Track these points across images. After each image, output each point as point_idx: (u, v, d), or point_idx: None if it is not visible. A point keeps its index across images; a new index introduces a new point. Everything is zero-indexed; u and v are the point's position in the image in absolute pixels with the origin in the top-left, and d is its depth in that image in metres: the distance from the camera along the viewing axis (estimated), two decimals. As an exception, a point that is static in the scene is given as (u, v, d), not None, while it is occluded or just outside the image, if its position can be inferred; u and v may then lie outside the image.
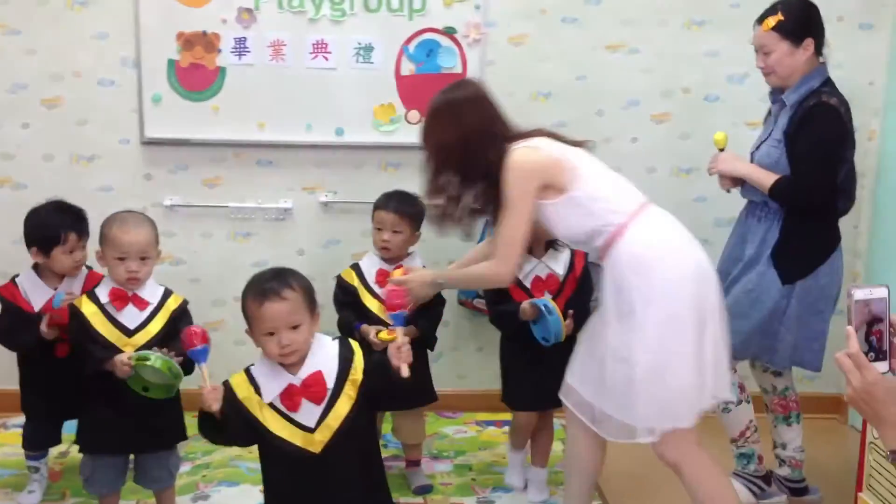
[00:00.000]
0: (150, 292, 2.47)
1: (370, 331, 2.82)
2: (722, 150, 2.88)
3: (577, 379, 2.40)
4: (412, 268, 2.89)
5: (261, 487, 2.87)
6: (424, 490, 3.00)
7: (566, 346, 2.68)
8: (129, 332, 2.41)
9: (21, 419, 3.03)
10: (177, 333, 2.42)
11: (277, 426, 1.98)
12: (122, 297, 2.41)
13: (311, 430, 1.98)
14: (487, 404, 3.28)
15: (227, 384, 2.03)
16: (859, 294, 1.43)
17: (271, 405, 1.99)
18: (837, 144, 2.67)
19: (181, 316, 2.50)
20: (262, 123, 3.42)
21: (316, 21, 3.36)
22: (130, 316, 2.42)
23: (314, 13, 3.35)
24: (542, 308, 2.74)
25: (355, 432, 2.02)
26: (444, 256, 3.56)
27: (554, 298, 2.84)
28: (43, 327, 2.66)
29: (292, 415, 1.98)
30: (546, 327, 2.73)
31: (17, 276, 2.84)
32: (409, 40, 3.38)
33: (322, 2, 3.34)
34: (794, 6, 2.68)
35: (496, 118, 2.43)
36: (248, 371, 2.06)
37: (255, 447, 2.08)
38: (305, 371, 1.99)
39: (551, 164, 2.31)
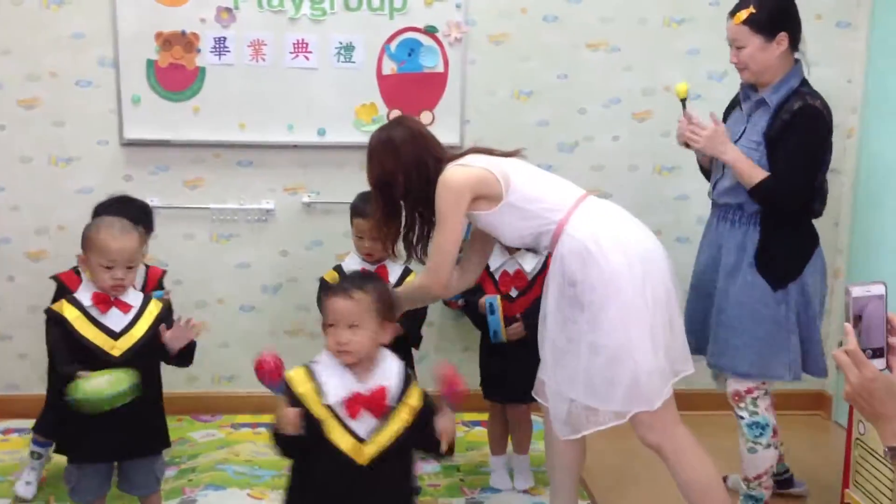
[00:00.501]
0: (133, 296, 2.44)
1: None
2: (683, 100, 2.80)
3: (549, 374, 2.44)
4: None
5: (248, 491, 2.93)
6: (413, 492, 2.98)
7: (531, 345, 2.72)
8: (115, 335, 2.37)
9: (8, 424, 2.99)
10: (159, 336, 2.42)
11: (333, 431, 1.99)
12: (105, 301, 2.37)
13: (362, 441, 2.00)
14: (473, 405, 3.26)
15: (286, 380, 2.03)
16: (857, 291, 1.44)
17: (329, 407, 1.99)
18: (821, 149, 2.64)
19: (166, 317, 2.47)
20: (242, 124, 3.39)
21: (296, 20, 3.34)
22: (115, 319, 2.38)
23: (294, 12, 3.33)
24: (487, 306, 2.87)
25: (400, 454, 2.06)
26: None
27: (521, 295, 2.94)
28: None
29: (349, 422, 2.00)
30: (489, 326, 2.86)
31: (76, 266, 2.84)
32: (390, 39, 3.37)
33: (302, 1, 3.32)
34: (764, 1, 2.60)
35: (432, 146, 2.50)
36: (309, 368, 2.05)
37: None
38: (373, 382, 2.02)
39: (481, 176, 2.38)
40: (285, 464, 3.01)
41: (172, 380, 2.46)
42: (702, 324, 2.77)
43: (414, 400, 2.07)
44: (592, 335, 2.28)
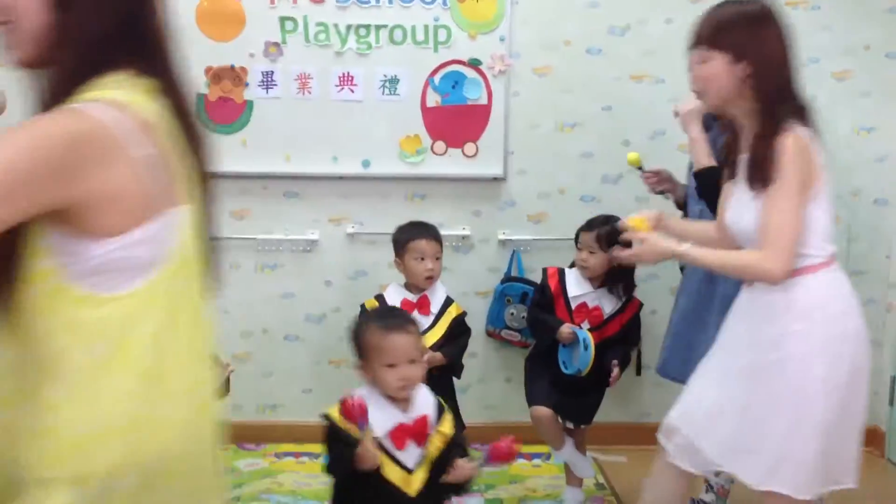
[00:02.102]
0: None
1: None
2: (637, 166, 2.91)
3: (688, 419, 2.27)
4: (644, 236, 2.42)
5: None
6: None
7: (588, 377, 2.87)
8: None
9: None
10: None
11: (382, 464, 2.00)
12: None
13: (410, 472, 2.01)
14: (518, 436, 3.24)
15: (328, 418, 2.05)
16: None
17: (376, 440, 2.00)
18: None
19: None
20: (288, 156, 3.44)
21: (342, 54, 3.39)
22: None
23: (340, 46, 3.38)
24: (581, 340, 2.81)
25: (438, 479, 2.06)
26: (471, 287, 3.56)
27: (591, 331, 2.92)
28: None
29: (397, 453, 2.01)
30: (575, 357, 2.79)
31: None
32: (434, 72, 3.40)
33: (348, 35, 3.37)
34: None
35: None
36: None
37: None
38: (415, 413, 2.04)
39: (816, 167, 2.05)
40: (328, 495, 3.03)
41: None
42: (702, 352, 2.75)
43: (447, 428, 2.10)
44: (770, 393, 2.07)
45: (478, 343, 3.53)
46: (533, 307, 3.11)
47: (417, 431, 2.03)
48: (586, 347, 2.80)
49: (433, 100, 3.42)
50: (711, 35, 2.08)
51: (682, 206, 2.94)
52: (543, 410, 2.97)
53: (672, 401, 3.64)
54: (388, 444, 2.01)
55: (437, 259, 2.96)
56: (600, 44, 3.46)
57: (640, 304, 3.09)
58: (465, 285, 3.55)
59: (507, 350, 3.56)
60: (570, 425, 3.07)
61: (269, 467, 3.39)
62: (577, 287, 2.97)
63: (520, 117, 3.47)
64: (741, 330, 2.18)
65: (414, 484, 2.02)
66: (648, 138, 3.51)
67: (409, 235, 2.97)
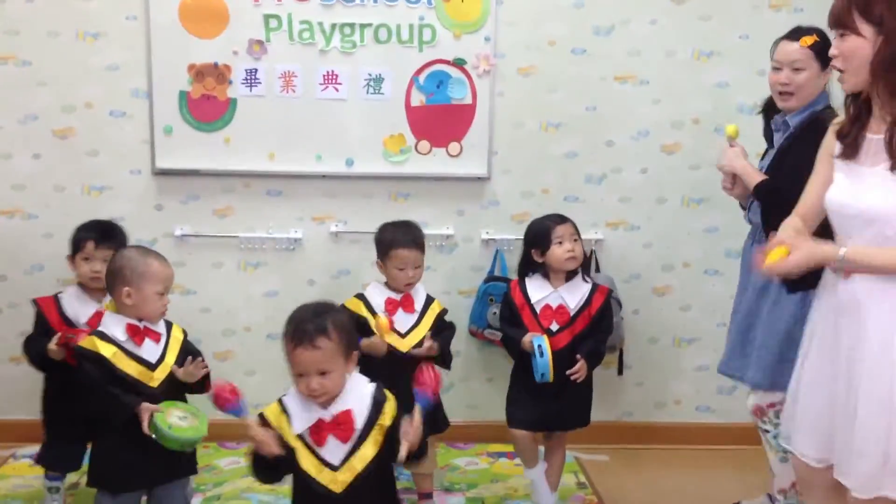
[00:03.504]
0: (159, 324, 2.47)
1: (372, 341, 2.85)
2: (732, 143, 2.82)
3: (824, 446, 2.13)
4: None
5: (270, 520, 2.92)
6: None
7: (565, 379, 2.83)
8: (152, 367, 2.41)
9: (31, 450, 3.02)
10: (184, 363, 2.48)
11: (305, 460, 2.01)
12: (139, 333, 2.40)
13: (334, 469, 2.00)
14: (499, 435, 3.25)
15: (261, 416, 2.06)
16: None
17: (300, 437, 2.01)
18: None
19: (188, 346, 2.53)
20: (272, 154, 3.43)
21: (326, 52, 3.38)
22: (149, 350, 2.41)
23: (324, 45, 3.37)
24: (536, 347, 2.79)
25: (378, 476, 2.04)
26: (454, 286, 3.56)
27: (561, 331, 2.89)
28: (51, 345, 2.72)
29: (318, 450, 2.01)
30: (535, 366, 2.78)
31: (60, 292, 2.96)
32: (419, 71, 3.40)
33: (332, 34, 3.36)
34: (823, 33, 2.61)
35: None
36: (280, 401, 2.08)
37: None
38: (336, 408, 2.02)
39: None
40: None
41: (200, 406, 2.48)
42: (732, 340, 2.84)
43: (387, 419, 2.04)
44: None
45: (460, 342, 3.53)
46: (502, 323, 3.05)
47: (338, 426, 1.99)
48: (541, 355, 2.77)
49: (417, 99, 3.42)
50: (861, 5, 1.98)
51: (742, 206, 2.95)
52: (520, 433, 2.96)
53: (652, 399, 3.70)
54: (309, 441, 2.00)
55: (418, 267, 2.95)
56: (585, 44, 3.46)
57: (609, 291, 3.01)
58: (448, 284, 3.56)
59: (489, 349, 3.57)
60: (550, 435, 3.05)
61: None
62: (538, 291, 2.92)
63: (504, 117, 3.48)
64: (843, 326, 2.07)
65: (341, 480, 1.99)
66: (632, 139, 3.53)
67: (392, 243, 2.94)
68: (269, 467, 2.02)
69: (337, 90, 3.40)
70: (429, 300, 3.00)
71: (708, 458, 3.56)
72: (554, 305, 2.91)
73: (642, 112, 3.51)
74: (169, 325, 2.52)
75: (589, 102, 3.49)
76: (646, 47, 3.47)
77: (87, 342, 2.39)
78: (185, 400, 2.48)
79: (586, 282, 2.96)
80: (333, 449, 2.00)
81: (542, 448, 3.07)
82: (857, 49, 1.99)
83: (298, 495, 2.08)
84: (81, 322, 2.83)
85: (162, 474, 2.45)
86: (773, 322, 2.67)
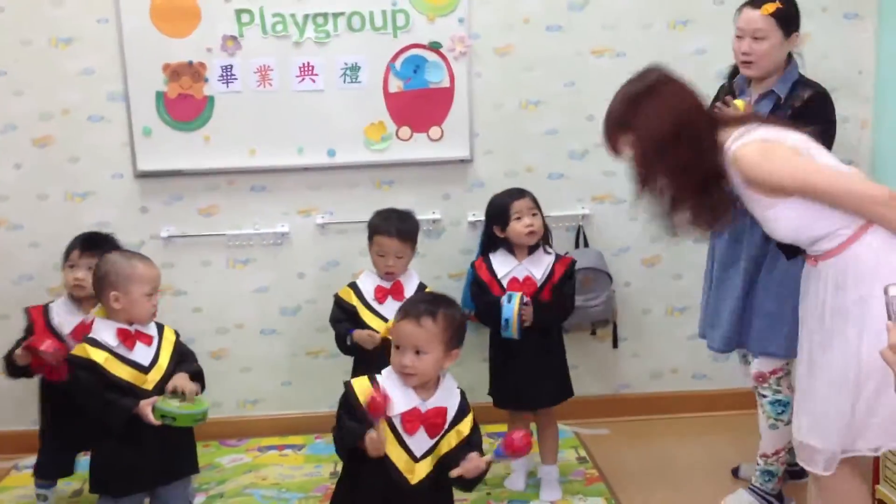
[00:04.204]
0: (150, 327, 2.47)
1: (363, 333, 2.89)
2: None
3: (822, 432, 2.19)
4: None
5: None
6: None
7: (543, 346, 2.94)
8: (145, 370, 2.40)
9: (33, 460, 3.03)
10: (179, 364, 2.48)
11: (389, 444, 2.02)
12: (130, 337, 2.40)
13: (416, 459, 2.03)
14: (495, 416, 3.26)
15: (349, 386, 2.08)
16: (894, 290, 1.49)
17: (390, 421, 2.02)
18: (834, 131, 2.68)
19: (181, 348, 2.53)
20: (253, 150, 3.41)
21: (301, 44, 3.36)
22: (141, 353, 2.41)
23: (298, 36, 3.35)
24: (506, 296, 2.86)
25: (444, 476, 2.07)
26: (443, 270, 3.57)
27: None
28: (18, 350, 2.78)
29: (406, 437, 2.03)
30: (501, 316, 2.85)
31: (52, 301, 2.99)
32: (395, 57, 3.38)
33: (306, 25, 3.34)
34: None
35: (700, 103, 2.24)
36: (373, 379, 2.09)
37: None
38: (434, 402, 2.06)
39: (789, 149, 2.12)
40: (313, 486, 3.05)
41: (203, 393, 2.49)
42: (731, 314, 2.80)
43: (465, 428, 2.10)
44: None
45: (454, 326, 3.53)
46: (474, 301, 3.09)
47: (431, 421, 2.04)
48: (509, 301, 2.82)
49: (395, 85, 3.40)
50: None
51: None
52: (517, 417, 3.07)
53: (648, 370, 3.72)
54: (399, 426, 2.03)
55: (400, 258, 2.95)
56: (560, 20, 3.45)
57: (573, 262, 3.04)
58: (437, 269, 3.56)
59: (481, 331, 3.55)
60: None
61: (253, 462, 3.39)
62: (503, 266, 2.97)
63: (483, 98, 3.47)
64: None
65: (417, 473, 2.03)
66: (612, 112, 3.51)
67: (376, 228, 2.98)
68: (360, 456, 2.03)
69: (314, 81, 3.38)
70: (421, 287, 3.00)
71: (706, 424, 3.58)
72: (521, 278, 2.95)
73: (621, 84, 3.49)
74: (161, 328, 2.51)
75: (567, 78, 3.48)
76: (621, 20, 3.46)
77: (78, 349, 2.39)
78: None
79: (548, 253, 2.99)
80: (420, 441, 2.04)
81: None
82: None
83: (366, 480, 2.07)
84: (65, 332, 2.84)
85: (163, 475, 2.46)
86: (782, 291, 2.64)
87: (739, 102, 2.71)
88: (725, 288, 2.83)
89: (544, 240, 3.00)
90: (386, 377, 2.09)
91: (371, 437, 1.98)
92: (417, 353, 2.02)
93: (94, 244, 2.93)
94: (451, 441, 2.08)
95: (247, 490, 3.14)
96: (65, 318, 2.88)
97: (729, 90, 2.84)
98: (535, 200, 2.96)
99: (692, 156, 2.14)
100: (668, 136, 2.14)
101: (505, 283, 2.96)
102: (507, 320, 2.84)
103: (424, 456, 2.05)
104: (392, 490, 2.04)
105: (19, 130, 3.39)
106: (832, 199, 2.08)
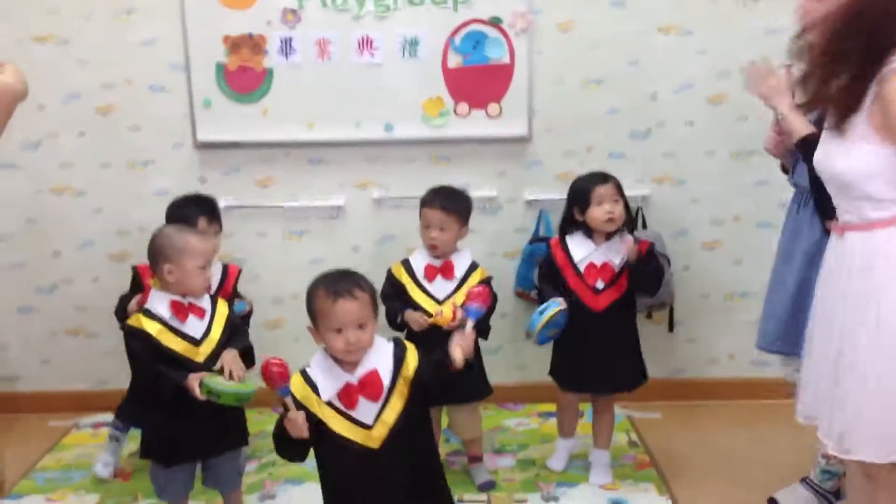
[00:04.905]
0: (203, 300, 2.50)
1: (414, 315, 2.88)
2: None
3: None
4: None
5: (324, 485, 2.97)
6: (488, 486, 2.99)
7: (616, 328, 2.91)
8: (197, 342, 2.44)
9: (93, 419, 3.13)
10: (234, 334, 2.52)
11: (337, 424, 2.03)
12: (183, 309, 2.43)
13: (368, 427, 2.03)
14: (548, 395, 3.25)
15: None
16: None
17: (329, 403, 2.03)
18: None
19: (234, 321, 2.55)
20: (311, 123, 3.41)
21: (360, 17, 3.33)
22: (193, 326, 2.45)
23: (358, 10, 3.32)
24: (544, 304, 2.82)
25: (410, 427, 2.07)
26: (498, 248, 3.54)
27: (607, 288, 2.90)
28: (132, 305, 2.82)
29: (350, 412, 2.03)
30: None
31: None
32: (454, 32, 3.34)
33: (366, -3, 3.33)
34: None
35: None
36: (303, 372, 2.10)
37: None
38: (362, 370, 2.04)
39: None
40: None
41: (253, 374, 2.52)
42: (781, 313, 2.70)
43: (409, 370, 2.07)
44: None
45: (507, 304, 3.52)
46: (541, 282, 3.05)
47: (366, 387, 2.03)
48: (540, 313, 2.78)
49: (454, 61, 3.36)
50: None
51: (783, 167, 2.81)
52: (570, 398, 3.06)
53: (704, 355, 3.66)
54: (339, 405, 2.03)
55: (443, 230, 2.90)
56: (624, -4, 3.36)
57: (651, 245, 2.96)
58: (492, 247, 3.54)
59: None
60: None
61: (305, 432, 3.43)
62: (580, 250, 2.91)
63: (543, 75, 3.41)
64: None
65: (376, 437, 2.03)
66: (675, 92, 3.43)
67: (422, 202, 2.97)
68: (294, 446, 2.05)
69: (373, 55, 3.36)
70: (472, 267, 2.97)
71: (761, 412, 3.51)
72: (598, 263, 2.89)
73: (686, 64, 3.41)
74: (214, 300, 2.55)
75: (630, 56, 3.40)
76: (689, -5, 3.36)
77: (133, 320, 2.44)
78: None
79: (624, 238, 2.90)
80: (365, 409, 2.03)
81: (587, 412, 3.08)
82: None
83: (333, 461, 2.09)
84: None
85: (213, 447, 2.51)
86: None
87: None
88: (779, 284, 2.72)
89: (627, 226, 2.93)
90: (315, 366, 2.08)
91: (288, 419, 1.97)
92: (361, 327, 2.01)
93: (215, 211, 3.05)
94: (402, 391, 2.05)
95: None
96: None
97: None
98: (618, 187, 2.89)
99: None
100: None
101: (582, 267, 2.90)
102: (531, 324, 2.80)
103: (376, 419, 2.03)
104: (359, 459, 2.03)
105: (83, 99, 3.44)
106: None
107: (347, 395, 2.03)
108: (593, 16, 3.36)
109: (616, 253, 2.89)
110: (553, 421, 3.35)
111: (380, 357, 2.07)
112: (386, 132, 3.43)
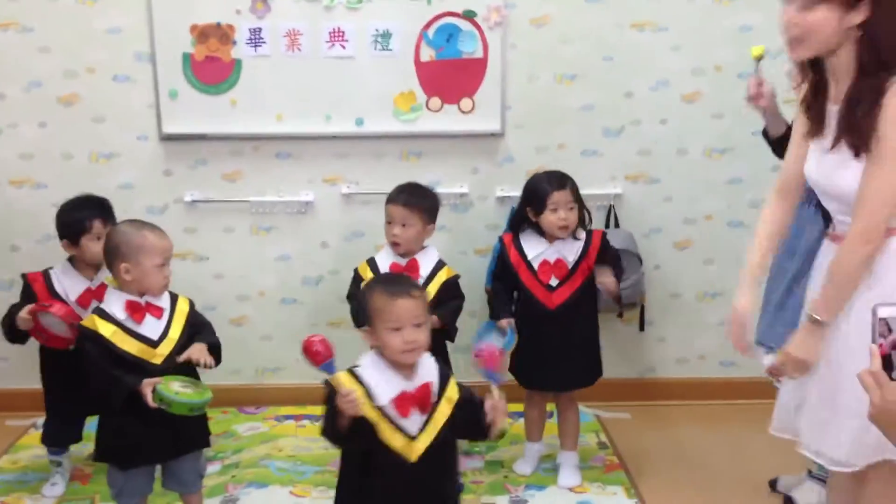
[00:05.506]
0: (162, 298, 2.42)
1: None
2: (759, 59, 2.61)
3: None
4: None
5: (290, 489, 2.92)
6: (456, 489, 2.94)
7: (573, 324, 2.89)
8: (154, 343, 2.36)
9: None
10: (193, 336, 2.44)
11: (385, 432, 2.00)
12: (139, 309, 2.35)
13: (412, 438, 2.01)
14: (518, 395, 3.21)
15: (329, 384, 1.99)
16: (883, 312, 1.37)
17: (381, 408, 1.99)
18: None
19: (195, 318, 2.48)
20: (279, 115, 3.34)
21: (332, 8, 3.26)
22: (150, 327, 2.37)
23: (329, 1, 3.25)
24: (508, 339, 2.84)
25: (445, 444, 2.07)
26: (470, 245, 3.49)
27: (561, 285, 2.88)
28: (22, 313, 2.70)
29: (400, 421, 2.01)
30: (491, 340, 2.81)
31: (51, 267, 2.92)
32: (427, 25, 3.28)
33: (338, -12, 3.26)
34: None
35: None
36: (353, 372, 2.03)
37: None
38: (419, 380, 2.04)
39: None
40: (329, 459, 3.02)
41: (217, 372, 2.46)
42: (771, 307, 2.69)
43: (453, 392, 2.08)
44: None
45: (477, 302, 3.47)
46: (494, 281, 3.03)
47: (421, 399, 2.03)
48: (507, 345, 2.81)
49: (427, 54, 3.31)
50: None
51: (770, 139, 2.70)
52: (534, 396, 3.04)
53: (675, 355, 3.63)
54: (392, 412, 2.00)
55: (406, 226, 2.88)
56: (600, -9, 3.32)
57: (603, 234, 2.97)
58: (464, 244, 3.49)
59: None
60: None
61: (270, 431, 3.37)
62: (534, 248, 2.89)
63: (517, 70, 3.36)
64: None
65: (416, 449, 2.01)
66: (651, 89, 3.40)
67: (387, 198, 2.95)
68: (344, 435, 1.98)
69: (344, 47, 3.29)
70: (438, 266, 2.93)
71: (731, 413, 3.49)
72: (552, 260, 2.88)
73: (661, 60, 3.38)
74: (174, 298, 2.47)
75: (605, 52, 3.36)
76: (664, -8, 3.32)
77: (87, 321, 2.36)
78: (196, 375, 2.43)
79: (578, 236, 2.91)
80: (413, 420, 2.02)
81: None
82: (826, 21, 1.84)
83: (365, 465, 2.04)
84: (71, 300, 2.81)
85: (170, 449, 2.44)
86: None
87: (756, 49, 2.59)
88: (776, 278, 2.69)
89: (580, 224, 2.90)
90: (365, 367, 2.03)
91: (342, 396, 1.91)
92: (418, 326, 2.00)
93: (110, 211, 2.90)
94: (444, 410, 2.05)
95: (262, 462, 3.12)
96: (68, 285, 2.83)
97: None
98: (575, 192, 2.86)
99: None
100: None
101: (535, 265, 2.89)
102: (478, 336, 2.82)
103: (420, 432, 2.02)
104: (393, 470, 2.02)
105: (44, 88, 3.35)
106: None
107: (402, 403, 2.00)
108: (568, 11, 3.32)
109: (570, 250, 2.88)
110: (522, 422, 3.32)
111: (430, 371, 2.08)
112: (356, 126, 3.37)
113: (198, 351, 2.36)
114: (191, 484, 2.57)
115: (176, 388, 2.27)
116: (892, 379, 1.35)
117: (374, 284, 2.12)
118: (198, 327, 2.47)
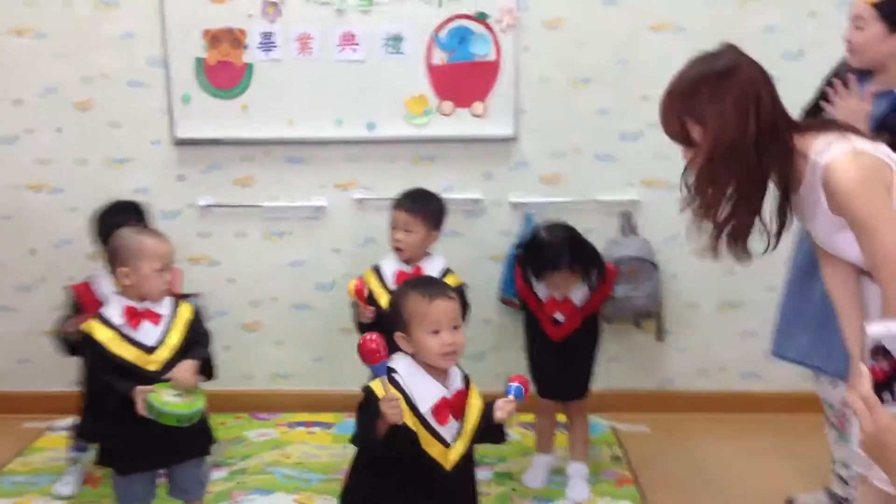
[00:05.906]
0: (161, 304, 2.41)
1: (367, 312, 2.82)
2: None
3: None
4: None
5: (295, 496, 2.89)
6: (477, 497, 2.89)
7: (574, 337, 2.88)
8: (150, 349, 2.35)
9: (67, 422, 3.05)
10: (196, 342, 2.42)
11: (425, 440, 1.97)
12: (136, 315, 2.34)
13: (448, 445, 1.98)
14: (531, 405, 3.15)
15: (369, 390, 1.95)
16: (873, 330, 1.26)
17: (422, 416, 1.96)
18: None
19: (196, 327, 2.44)
20: (291, 120, 3.33)
21: (343, 12, 3.24)
22: (146, 333, 2.35)
23: (340, 4, 3.23)
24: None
25: (471, 452, 2.05)
26: (483, 252, 3.44)
27: (567, 320, 2.87)
28: (66, 327, 2.71)
29: (439, 428, 1.97)
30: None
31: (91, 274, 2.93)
32: (439, 28, 3.24)
33: (349, -8, 3.23)
34: None
35: (780, 104, 1.97)
36: (392, 380, 1.97)
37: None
38: (454, 386, 2.02)
39: (887, 172, 1.86)
40: (336, 468, 2.99)
41: (230, 378, 2.45)
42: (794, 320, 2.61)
43: (478, 399, 2.06)
44: None
45: (492, 310, 3.42)
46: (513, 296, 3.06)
47: (457, 405, 2.00)
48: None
49: (439, 57, 3.26)
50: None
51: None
52: (544, 403, 2.99)
53: (694, 366, 3.53)
54: (432, 420, 1.96)
55: (409, 232, 2.84)
56: (616, -8, 3.25)
57: (615, 273, 2.99)
58: (477, 250, 3.43)
59: (521, 317, 3.44)
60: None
61: (280, 438, 3.35)
62: (543, 290, 2.89)
63: (530, 73, 3.30)
64: None
65: (451, 458, 1.98)
66: (668, 92, 3.31)
67: (393, 202, 2.91)
68: (380, 440, 1.93)
69: (355, 51, 3.26)
70: (444, 274, 2.88)
71: (753, 426, 3.38)
72: (559, 298, 2.87)
73: (679, 63, 3.26)
74: (176, 304, 2.45)
75: (621, 55, 3.28)
76: (683, -8, 3.24)
77: (86, 326, 2.35)
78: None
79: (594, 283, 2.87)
80: (451, 427, 1.99)
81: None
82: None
83: (397, 476, 2.00)
84: None
85: (171, 456, 2.42)
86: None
87: None
88: (804, 298, 2.57)
89: (587, 280, 2.86)
90: (402, 373, 1.98)
91: (385, 405, 1.87)
92: (455, 328, 1.98)
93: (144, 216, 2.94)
94: (473, 416, 2.02)
95: (269, 468, 3.09)
96: (109, 290, 2.75)
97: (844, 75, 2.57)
98: (572, 265, 2.80)
99: (768, 161, 1.90)
100: (745, 135, 1.88)
101: (543, 297, 2.89)
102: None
103: (455, 439, 1.99)
104: (427, 480, 1.98)
105: (60, 93, 3.37)
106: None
107: (442, 411, 1.97)
108: (582, 12, 3.25)
109: (576, 295, 2.86)
110: (532, 433, 3.26)
111: (457, 377, 2.05)
112: (368, 131, 3.33)
113: (182, 371, 2.31)
114: (192, 491, 2.55)
115: (166, 399, 2.25)
116: (882, 402, 1.26)
117: (408, 289, 2.07)
118: (197, 336, 2.44)
